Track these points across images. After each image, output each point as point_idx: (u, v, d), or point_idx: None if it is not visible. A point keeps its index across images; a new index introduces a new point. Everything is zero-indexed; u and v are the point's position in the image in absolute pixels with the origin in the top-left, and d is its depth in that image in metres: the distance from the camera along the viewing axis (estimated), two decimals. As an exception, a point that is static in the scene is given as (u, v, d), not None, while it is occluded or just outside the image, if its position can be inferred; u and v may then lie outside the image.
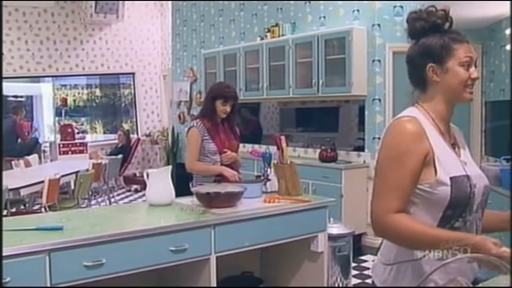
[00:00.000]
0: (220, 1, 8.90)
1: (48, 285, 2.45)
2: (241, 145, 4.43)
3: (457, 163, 1.83)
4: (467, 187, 1.78)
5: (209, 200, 3.31)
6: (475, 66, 1.86)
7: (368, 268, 5.33)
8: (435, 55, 1.84)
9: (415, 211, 1.80)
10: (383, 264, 1.91)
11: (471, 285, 1.55)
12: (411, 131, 1.78)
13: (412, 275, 1.81)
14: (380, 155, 1.84)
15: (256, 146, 7.93)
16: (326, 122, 7.35)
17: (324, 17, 6.95)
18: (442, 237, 1.66)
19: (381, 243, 1.97)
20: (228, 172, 4.01)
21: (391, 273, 1.86)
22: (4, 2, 10.19)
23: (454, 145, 1.89)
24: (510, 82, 5.80)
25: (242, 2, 8.42)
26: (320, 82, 6.53)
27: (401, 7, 6.22)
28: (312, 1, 7.13)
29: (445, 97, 1.87)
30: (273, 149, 4.12)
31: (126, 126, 12.34)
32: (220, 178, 3.96)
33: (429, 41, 1.87)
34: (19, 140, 9.98)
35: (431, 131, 1.82)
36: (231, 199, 3.36)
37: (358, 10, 6.49)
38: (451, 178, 1.76)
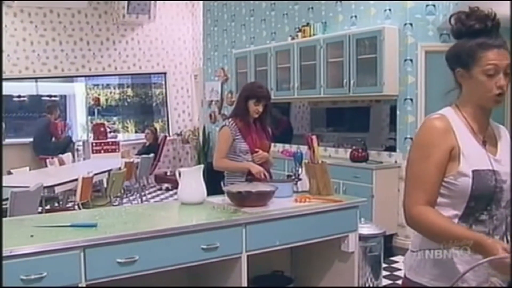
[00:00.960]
0: (251, 1, 8.92)
1: (83, 280, 2.50)
2: (272, 144, 4.43)
3: (484, 159, 1.84)
4: (492, 181, 1.80)
5: (241, 199, 3.32)
6: (505, 73, 1.83)
7: (399, 269, 5.29)
8: (462, 61, 1.86)
9: (442, 202, 1.85)
10: (411, 251, 1.98)
11: (504, 286, 1.54)
12: (438, 127, 1.84)
13: (434, 262, 1.86)
14: (410, 151, 1.92)
15: (287, 146, 7.93)
16: (357, 122, 7.31)
17: (356, 16, 6.91)
18: (457, 234, 1.72)
19: None
20: (254, 168, 4.00)
21: (416, 259, 1.92)
22: (39, 3, 10.41)
23: (485, 143, 1.89)
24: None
25: (273, 2, 8.43)
26: (351, 82, 6.50)
27: (434, 6, 6.16)
28: (343, 1, 7.10)
29: (473, 101, 1.89)
30: (304, 148, 4.12)
31: (157, 126, 12.44)
32: (251, 178, 3.97)
33: (459, 45, 1.88)
34: (53, 139, 10.18)
35: (460, 128, 1.86)
36: (262, 198, 3.37)
37: (389, 9, 6.44)
38: (473, 171, 1.79)
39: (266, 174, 4.02)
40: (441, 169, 1.82)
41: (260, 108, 4.10)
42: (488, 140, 1.92)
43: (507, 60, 1.82)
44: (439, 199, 1.85)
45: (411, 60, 6.23)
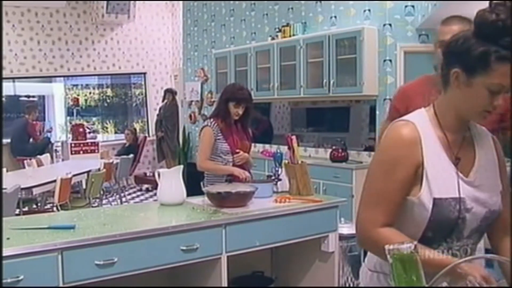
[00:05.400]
0: (231, 1, 8.90)
1: (61, 283, 2.47)
2: (252, 145, 4.44)
3: (451, 182, 1.61)
4: (454, 211, 1.59)
5: (220, 200, 3.31)
6: (505, 92, 1.56)
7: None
8: (466, 64, 1.55)
9: (398, 224, 1.63)
10: (368, 269, 1.82)
11: (484, 286, 1.48)
12: (404, 138, 1.61)
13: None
14: (372, 160, 1.71)
15: (267, 146, 7.93)
16: (337, 122, 7.34)
17: (335, 16, 6.94)
18: (436, 261, 1.50)
19: None
20: (238, 171, 4.00)
21: (373, 280, 1.77)
22: (16, 3, 10.28)
23: (458, 160, 1.64)
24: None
25: (253, 2, 8.42)
26: (331, 82, 6.52)
27: (413, 6, 6.19)
28: (323, 1, 7.12)
29: (458, 110, 1.62)
30: (284, 149, 4.12)
31: (137, 126, 12.38)
32: (231, 178, 3.97)
33: (469, 44, 1.54)
34: (31, 140, 10.06)
35: (430, 140, 1.62)
36: (242, 198, 3.36)
37: (369, 10, 6.47)
38: (435, 199, 1.58)
39: (249, 176, 4.02)
40: (405, 188, 1.60)
41: (240, 111, 4.11)
42: (464, 155, 1.66)
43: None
44: (397, 220, 1.63)
45: (390, 61, 6.27)
